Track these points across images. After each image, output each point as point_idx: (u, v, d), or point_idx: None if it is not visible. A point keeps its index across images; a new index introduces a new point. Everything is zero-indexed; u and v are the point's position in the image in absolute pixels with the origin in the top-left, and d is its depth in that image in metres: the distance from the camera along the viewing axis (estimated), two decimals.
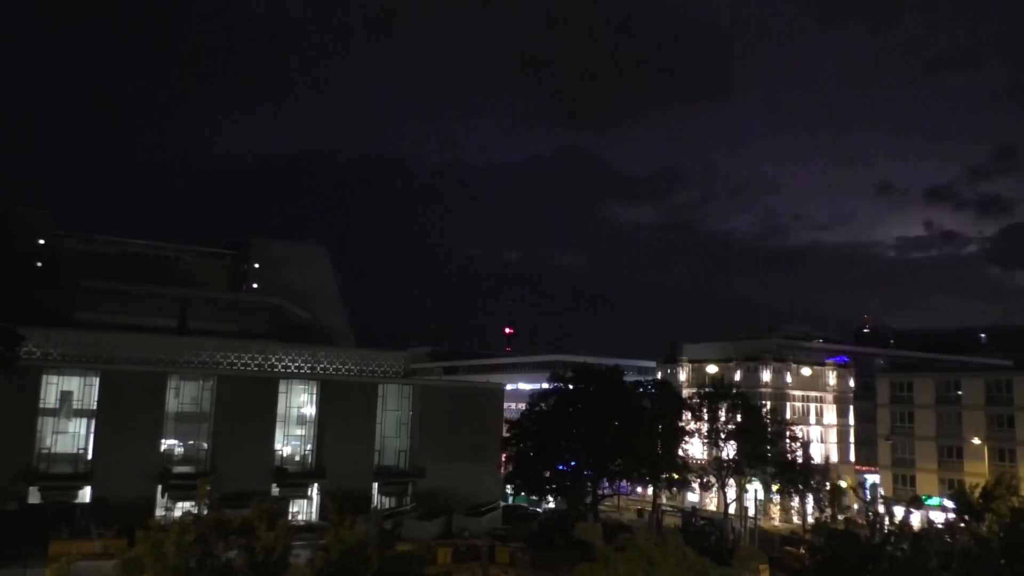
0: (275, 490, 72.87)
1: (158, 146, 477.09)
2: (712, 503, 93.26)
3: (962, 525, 51.93)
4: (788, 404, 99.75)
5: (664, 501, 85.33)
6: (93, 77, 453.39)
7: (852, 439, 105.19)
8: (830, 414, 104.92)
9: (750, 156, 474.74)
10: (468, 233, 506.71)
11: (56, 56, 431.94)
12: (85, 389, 70.07)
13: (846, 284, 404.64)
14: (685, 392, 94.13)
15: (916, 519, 75.35)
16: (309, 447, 78.04)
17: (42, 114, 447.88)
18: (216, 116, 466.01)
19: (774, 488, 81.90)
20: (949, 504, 72.35)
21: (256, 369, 77.62)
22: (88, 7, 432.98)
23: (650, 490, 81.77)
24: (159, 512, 65.61)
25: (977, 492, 54.38)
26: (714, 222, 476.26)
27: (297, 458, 78.27)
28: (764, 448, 78.27)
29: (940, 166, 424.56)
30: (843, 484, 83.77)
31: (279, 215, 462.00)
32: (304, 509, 75.43)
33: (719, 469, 78.49)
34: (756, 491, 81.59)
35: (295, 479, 75.55)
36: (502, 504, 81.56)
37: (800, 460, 79.40)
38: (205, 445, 72.94)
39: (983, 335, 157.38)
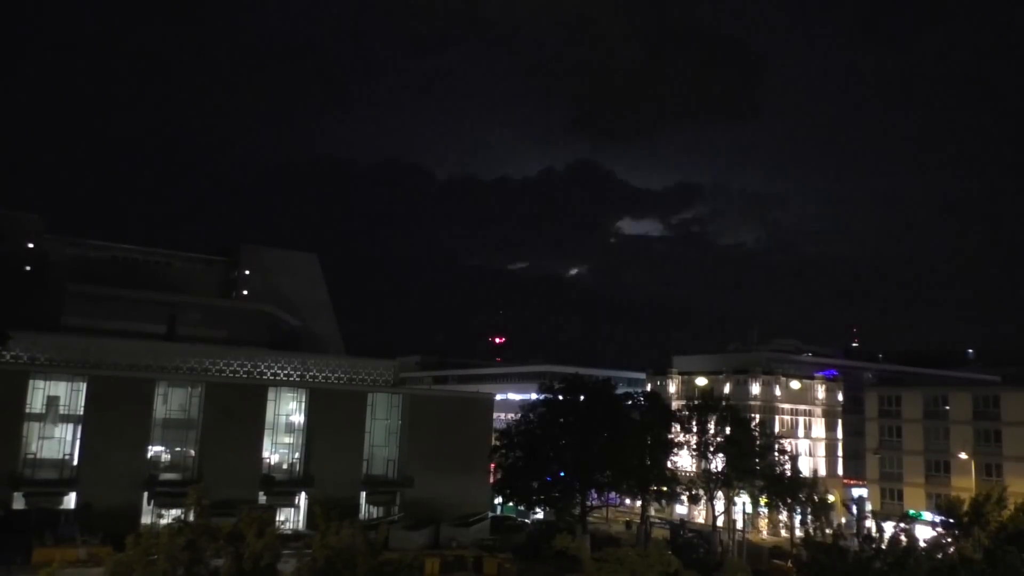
0: (262, 498, 72.42)
1: (169, 149, 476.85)
2: (701, 515, 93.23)
3: (949, 540, 51.99)
4: (777, 417, 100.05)
5: (653, 513, 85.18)
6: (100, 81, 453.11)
7: (840, 453, 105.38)
8: (818, 427, 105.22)
9: (763, 172, 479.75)
10: (472, 244, 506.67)
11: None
12: (72, 394, 69.55)
13: (839, 297, 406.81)
14: (675, 404, 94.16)
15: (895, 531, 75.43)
16: (297, 455, 77.70)
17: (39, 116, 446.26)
18: (239, 122, 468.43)
19: (762, 501, 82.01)
20: (932, 517, 72.59)
21: (245, 376, 77.29)
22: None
23: (639, 502, 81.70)
24: (145, 519, 65.16)
25: (966, 505, 54.39)
26: (722, 236, 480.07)
27: (285, 466, 77.87)
28: (752, 461, 78.41)
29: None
30: (830, 498, 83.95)
31: (275, 223, 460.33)
32: (291, 518, 74.97)
33: (708, 481, 78.56)
34: (744, 504, 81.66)
35: (283, 487, 75.07)
36: (490, 515, 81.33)
37: (788, 473, 79.56)
38: (192, 452, 72.52)
39: (971, 351, 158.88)
